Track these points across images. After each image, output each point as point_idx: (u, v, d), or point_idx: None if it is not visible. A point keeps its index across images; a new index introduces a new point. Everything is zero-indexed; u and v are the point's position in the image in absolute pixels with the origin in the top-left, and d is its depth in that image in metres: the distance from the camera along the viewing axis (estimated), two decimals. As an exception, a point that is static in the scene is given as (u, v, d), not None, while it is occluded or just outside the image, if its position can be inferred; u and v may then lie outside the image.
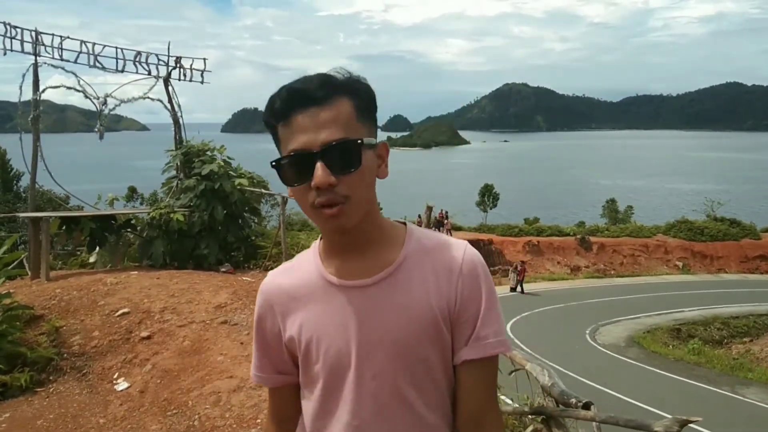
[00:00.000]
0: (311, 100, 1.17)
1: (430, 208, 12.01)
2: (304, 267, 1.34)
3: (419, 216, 41.66)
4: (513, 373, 4.52)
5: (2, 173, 29.54)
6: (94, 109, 10.03)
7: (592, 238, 39.11)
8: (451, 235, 36.97)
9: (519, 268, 31.00)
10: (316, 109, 1.17)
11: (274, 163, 1.20)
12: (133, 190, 37.68)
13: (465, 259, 1.28)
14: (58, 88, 9.84)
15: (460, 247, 1.31)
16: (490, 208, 54.86)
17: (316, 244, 1.36)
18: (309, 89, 1.18)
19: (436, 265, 1.27)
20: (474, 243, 37.47)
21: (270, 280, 1.37)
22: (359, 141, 1.20)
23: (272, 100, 1.22)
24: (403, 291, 1.25)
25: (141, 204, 33.20)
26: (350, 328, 1.24)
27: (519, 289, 30.38)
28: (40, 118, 9.69)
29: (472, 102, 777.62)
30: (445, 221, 37.89)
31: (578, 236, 39.02)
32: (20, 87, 9.27)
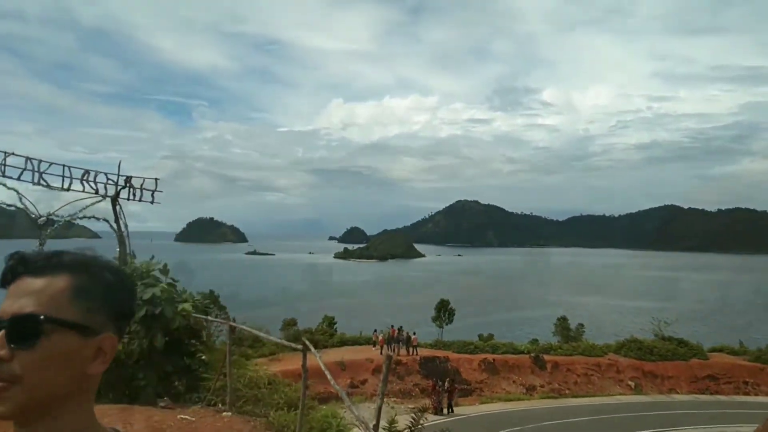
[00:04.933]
0: (29, 269, 1.10)
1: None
2: None
3: (375, 331, 41.47)
4: None
5: None
6: (43, 214, 9.72)
7: (546, 356, 39.03)
8: (417, 352, 36.86)
9: (448, 387, 30.37)
10: (30, 278, 1.09)
11: None
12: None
13: None
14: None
15: None
16: (446, 324, 54.48)
17: None
18: (31, 258, 1.12)
19: None
20: (431, 360, 37.17)
21: None
22: (42, 317, 1.07)
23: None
24: None
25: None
26: None
27: (447, 410, 29.56)
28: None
29: (427, 216, 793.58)
30: (413, 337, 37.79)
31: (532, 354, 38.91)
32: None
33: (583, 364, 38.80)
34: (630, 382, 38.03)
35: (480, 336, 48.67)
